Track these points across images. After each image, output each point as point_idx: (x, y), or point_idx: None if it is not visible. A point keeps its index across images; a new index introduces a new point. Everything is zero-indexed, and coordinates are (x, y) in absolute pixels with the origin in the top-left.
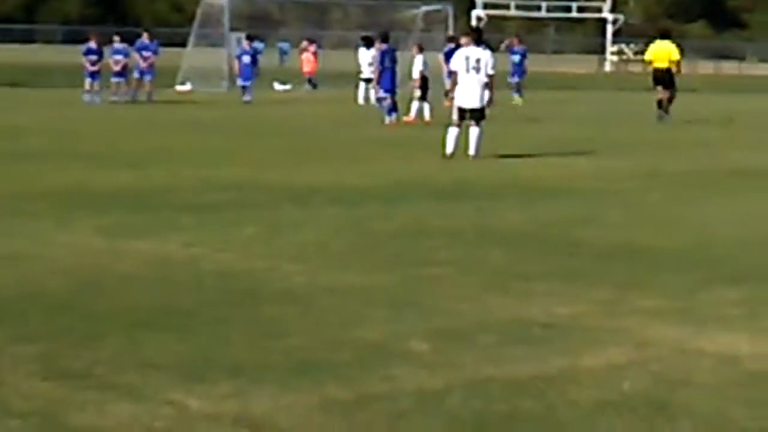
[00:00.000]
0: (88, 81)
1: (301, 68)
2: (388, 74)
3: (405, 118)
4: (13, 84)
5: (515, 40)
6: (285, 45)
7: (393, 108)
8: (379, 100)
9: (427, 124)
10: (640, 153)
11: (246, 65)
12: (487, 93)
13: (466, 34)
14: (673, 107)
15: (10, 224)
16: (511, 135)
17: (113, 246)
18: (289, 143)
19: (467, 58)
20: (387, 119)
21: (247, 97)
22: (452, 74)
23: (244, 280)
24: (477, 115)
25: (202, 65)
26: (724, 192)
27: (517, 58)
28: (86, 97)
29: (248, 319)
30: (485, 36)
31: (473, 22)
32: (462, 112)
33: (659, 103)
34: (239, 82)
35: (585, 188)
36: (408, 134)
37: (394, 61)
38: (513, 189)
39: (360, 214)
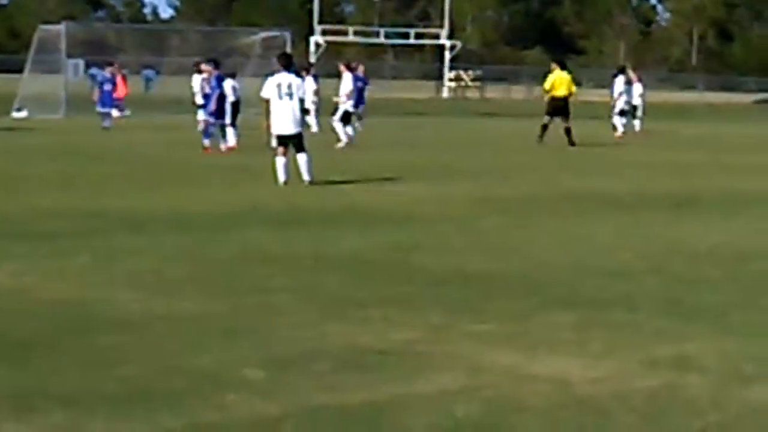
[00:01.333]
0: None
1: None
2: (220, 101)
3: (223, 145)
4: None
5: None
6: (150, 72)
7: (208, 131)
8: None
9: (231, 149)
10: (476, 178)
11: (107, 92)
12: (307, 117)
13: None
14: (510, 132)
15: None
16: (347, 161)
17: None
18: (124, 169)
19: (279, 86)
20: (205, 142)
21: (106, 123)
22: (265, 102)
23: (77, 308)
24: (296, 141)
25: (39, 92)
26: (555, 216)
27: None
28: None
29: (82, 348)
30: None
31: (311, 48)
32: (281, 139)
33: (544, 127)
34: (98, 108)
35: (421, 214)
36: (240, 161)
37: (221, 87)
38: (350, 215)
39: (195, 241)
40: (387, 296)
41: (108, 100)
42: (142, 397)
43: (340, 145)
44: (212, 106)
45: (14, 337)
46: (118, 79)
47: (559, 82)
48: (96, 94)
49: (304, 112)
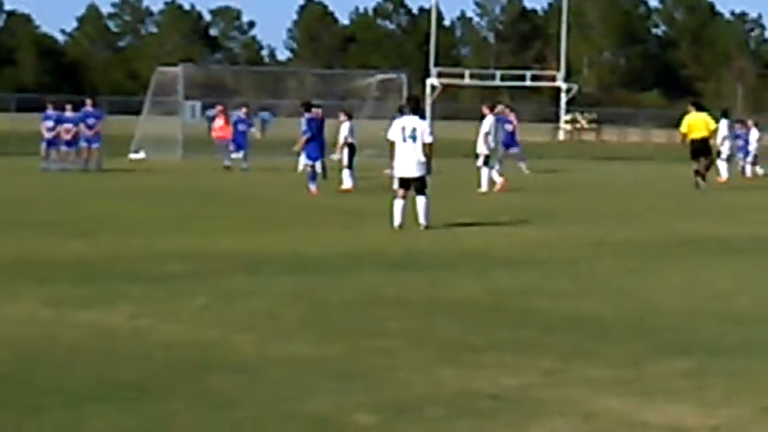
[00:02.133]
0: (43, 148)
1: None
2: (314, 143)
3: (342, 187)
4: None
5: (506, 109)
6: (266, 114)
7: (315, 176)
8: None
9: (348, 191)
10: (590, 221)
11: (240, 133)
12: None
13: (407, 103)
14: (626, 176)
15: None
16: (461, 205)
17: (59, 317)
18: (239, 211)
19: (403, 128)
20: (311, 187)
21: (244, 165)
22: (390, 145)
23: (192, 351)
24: (418, 184)
25: (157, 133)
26: (670, 261)
27: (509, 127)
28: (42, 165)
29: (196, 391)
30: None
31: (428, 90)
32: (403, 182)
33: (696, 172)
34: (236, 151)
35: (535, 257)
36: (355, 203)
37: (320, 129)
38: (464, 258)
39: (311, 284)
40: (500, 341)
41: (243, 140)
42: None
43: (485, 189)
44: (312, 149)
45: (128, 380)
46: (222, 121)
47: (694, 123)
48: (242, 134)
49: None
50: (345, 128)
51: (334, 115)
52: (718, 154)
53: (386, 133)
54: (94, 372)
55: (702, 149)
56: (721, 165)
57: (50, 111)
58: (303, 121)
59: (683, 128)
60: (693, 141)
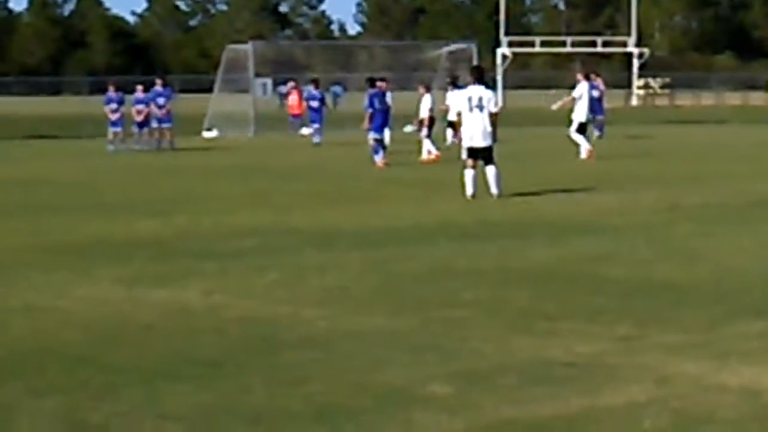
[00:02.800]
0: (111, 131)
1: (289, 111)
2: (378, 116)
3: (423, 158)
4: (40, 136)
5: (594, 76)
6: (338, 89)
7: (381, 148)
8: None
9: (433, 161)
10: (664, 186)
11: (314, 109)
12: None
13: (473, 73)
14: (700, 139)
15: (26, 276)
16: (532, 173)
17: (132, 296)
18: (311, 186)
19: (470, 98)
20: (377, 159)
21: (316, 139)
22: (457, 115)
23: (265, 327)
24: (486, 154)
25: (229, 111)
26: (745, 224)
27: (596, 93)
28: (110, 147)
29: (269, 366)
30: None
31: (498, 60)
32: (471, 151)
33: None
34: (312, 125)
35: (609, 224)
36: (427, 174)
37: (384, 103)
38: (537, 227)
39: (383, 257)
40: (574, 308)
41: (316, 116)
42: (329, 415)
43: (583, 156)
44: (376, 122)
45: (203, 356)
46: (296, 97)
47: None
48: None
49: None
50: (427, 101)
51: (406, 86)
52: None
53: (444, 103)
54: (169, 350)
55: None
56: None
57: (112, 93)
58: (366, 96)
59: None
60: None
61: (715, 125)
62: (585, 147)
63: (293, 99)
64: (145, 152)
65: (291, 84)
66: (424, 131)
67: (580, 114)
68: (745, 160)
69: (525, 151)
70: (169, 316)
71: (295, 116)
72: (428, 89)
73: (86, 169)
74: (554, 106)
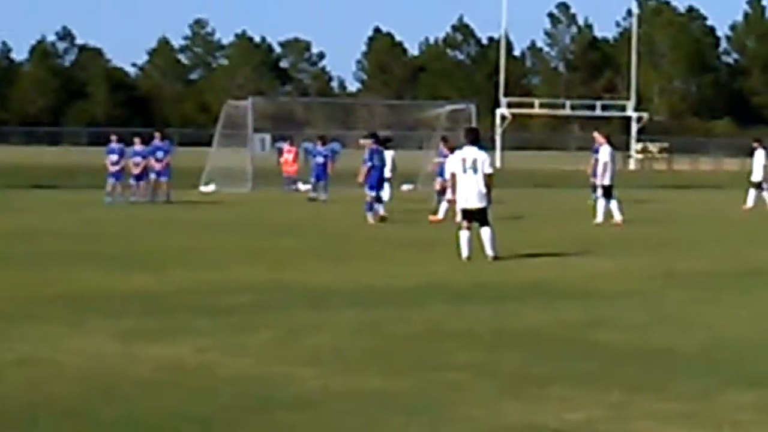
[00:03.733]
0: (109, 182)
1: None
2: (375, 173)
3: (432, 218)
4: (37, 186)
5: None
6: (336, 145)
7: (372, 205)
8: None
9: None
10: (660, 251)
11: (319, 165)
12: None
13: (466, 135)
14: (697, 205)
15: (22, 328)
16: (530, 235)
17: (127, 350)
18: (307, 243)
19: (464, 160)
20: (370, 216)
21: (323, 196)
22: (451, 176)
23: (258, 385)
24: (480, 216)
25: (227, 165)
26: (741, 291)
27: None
28: (108, 199)
29: (261, 426)
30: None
31: (497, 121)
32: (466, 213)
33: None
34: (312, 181)
35: (603, 288)
36: (423, 234)
37: (382, 160)
38: (531, 290)
39: (377, 317)
40: (566, 373)
41: (321, 172)
42: None
43: (618, 219)
44: (373, 179)
45: (195, 414)
46: (291, 156)
47: None
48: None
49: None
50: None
51: (405, 145)
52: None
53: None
54: (161, 406)
55: None
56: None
57: (114, 144)
58: (367, 151)
59: None
60: None
61: (713, 190)
62: (612, 212)
63: (289, 158)
64: (140, 204)
65: (287, 143)
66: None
67: (606, 178)
68: (742, 226)
69: (521, 213)
70: (162, 372)
71: (288, 175)
72: (452, 149)
73: (84, 220)
74: (599, 181)
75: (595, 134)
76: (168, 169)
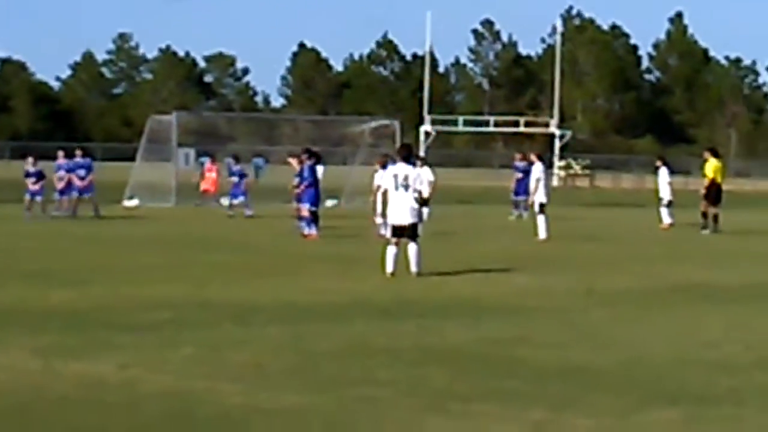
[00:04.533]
0: (27, 198)
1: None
2: (312, 189)
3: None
4: None
5: (518, 156)
6: (260, 161)
7: (314, 221)
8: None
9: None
10: (580, 269)
11: (235, 184)
12: (421, 209)
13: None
14: (618, 223)
15: None
16: (453, 251)
17: (47, 367)
18: (230, 259)
19: (395, 176)
20: (311, 231)
21: (248, 212)
22: (382, 192)
23: (180, 401)
24: (410, 231)
25: (150, 180)
26: (661, 309)
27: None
28: (26, 215)
29: None
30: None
31: (422, 137)
32: (395, 229)
33: (704, 215)
34: (232, 200)
35: (525, 305)
36: (349, 250)
37: (316, 176)
38: (455, 307)
39: (300, 333)
40: (489, 390)
41: (237, 189)
42: None
43: (543, 236)
44: (310, 195)
45: (117, 431)
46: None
47: (716, 169)
48: (237, 184)
49: (422, 203)
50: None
51: (329, 161)
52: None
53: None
54: (82, 424)
55: (718, 195)
56: (664, 211)
57: (30, 168)
58: (305, 167)
59: (710, 173)
60: (716, 186)
61: (634, 208)
62: (542, 229)
63: (212, 176)
64: (62, 219)
65: (209, 160)
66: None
67: (540, 195)
68: (662, 244)
69: (446, 229)
70: (83, 389)
71: (206, 192)
72: (383, 165)
73: (4, 235)
74: (532, 198)
75: (532, 156)
76: (91, 186)
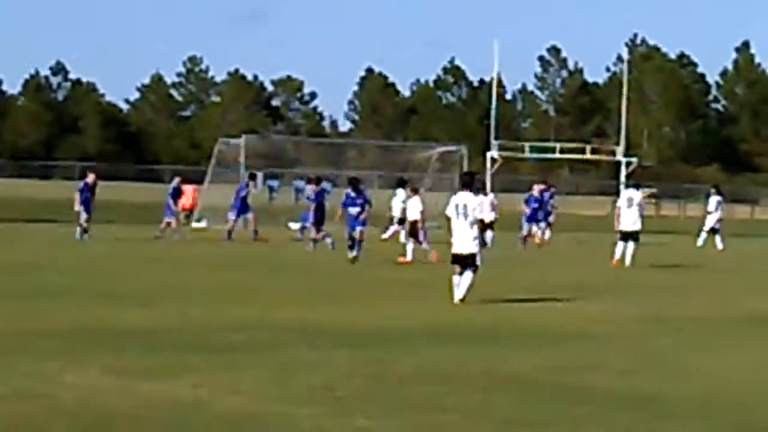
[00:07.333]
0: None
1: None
2: (320, 212)
3: (401, 259)
4: (29, 219)
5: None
6: (301, 183)
7: (316, 241)
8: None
9: (407, 263)
10: (648, 296)
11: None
12: (484, 236)
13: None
14: (686, 250)
15: (17, 363)
16: (520, 278)
17: (122, 387)
18: (301, 282)
19: (456, 205)
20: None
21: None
22: (447, 220)
23: (251, 424)
24: (467, 260)
25: (219, 202)
26: (733, 338)
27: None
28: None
29: None
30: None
31: (488, 164)
32: (456, 258)
33: None
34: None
35: (593, 332)
36: (416, 275)
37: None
38: (522, 334)
39: (370, 358)
40: (557, 418)
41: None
42: None
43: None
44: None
45: None
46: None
47: None
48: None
49: (484, 229)
50: (416, 203)
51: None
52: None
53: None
54: None
55: None
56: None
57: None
58: (313, 193)
59: None
60: None
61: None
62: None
63: (187, 196)
64: (133, 240)
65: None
66: (399, 230)
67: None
68: (731, 273)
69: (511, 257)
70: (157, 409)
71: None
72: (416, 191)
73: (80, 255)
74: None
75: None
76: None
